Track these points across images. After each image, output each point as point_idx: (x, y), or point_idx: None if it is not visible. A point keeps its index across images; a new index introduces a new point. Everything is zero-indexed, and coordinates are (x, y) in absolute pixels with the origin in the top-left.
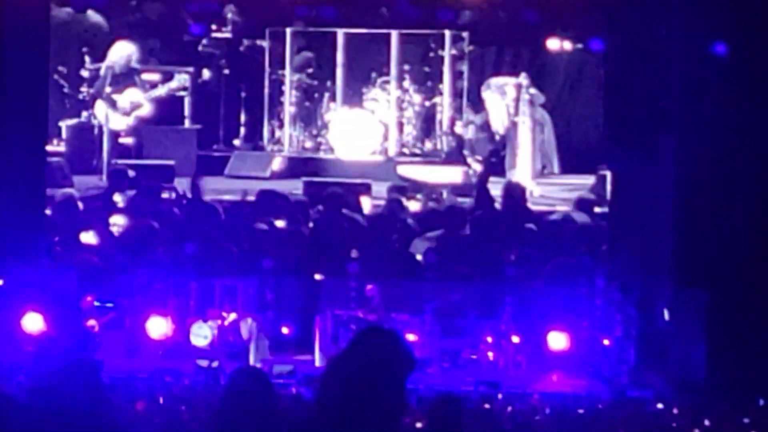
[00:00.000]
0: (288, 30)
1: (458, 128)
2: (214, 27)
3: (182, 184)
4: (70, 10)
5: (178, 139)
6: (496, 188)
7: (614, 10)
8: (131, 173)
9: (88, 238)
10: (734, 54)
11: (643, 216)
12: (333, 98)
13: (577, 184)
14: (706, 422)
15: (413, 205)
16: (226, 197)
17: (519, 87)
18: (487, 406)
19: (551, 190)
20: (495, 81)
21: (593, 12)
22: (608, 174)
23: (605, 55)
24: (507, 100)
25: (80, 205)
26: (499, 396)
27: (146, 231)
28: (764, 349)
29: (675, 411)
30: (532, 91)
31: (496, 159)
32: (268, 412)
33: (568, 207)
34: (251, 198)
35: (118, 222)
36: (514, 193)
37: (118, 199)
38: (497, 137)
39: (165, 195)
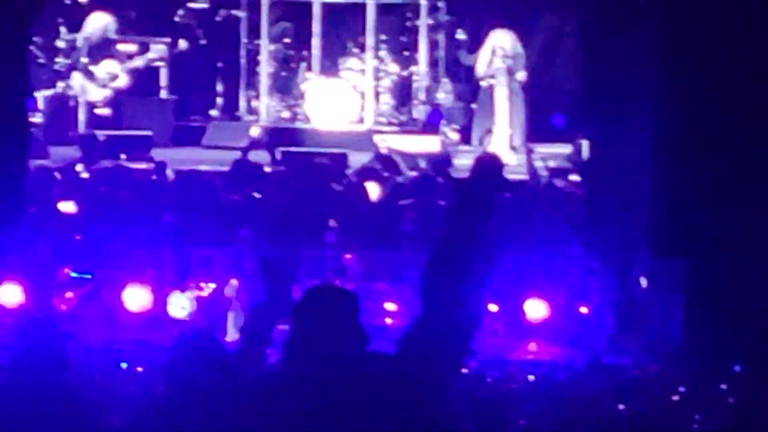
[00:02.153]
0: (264, 0)
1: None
2: None
3: (159, 154)
4: None
5: (155, 109)
6: (471, 157)
7: None
8: (101, 137)
9: (67, 207)
10: (711, 20)
11: (620, 184)
12: (309, 68)
13: (554, 152)
14: (683, 388)
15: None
16: (203, 167)
17: (502, 53)
18: (465, 371)
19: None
20: (495, 35)
21: None
22: (585, 142)
23: (582, 22)
24: (494, 58)
25: (56, 175)
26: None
27: (122, 201)
28: (741, 315)
29: (652, 378)
30: (509, 61)
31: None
32: (217, 371)
33: (545, 175)
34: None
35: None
36: (490, 163)
37: (80, 168)
38: (473, 107)
39: (143, 165)
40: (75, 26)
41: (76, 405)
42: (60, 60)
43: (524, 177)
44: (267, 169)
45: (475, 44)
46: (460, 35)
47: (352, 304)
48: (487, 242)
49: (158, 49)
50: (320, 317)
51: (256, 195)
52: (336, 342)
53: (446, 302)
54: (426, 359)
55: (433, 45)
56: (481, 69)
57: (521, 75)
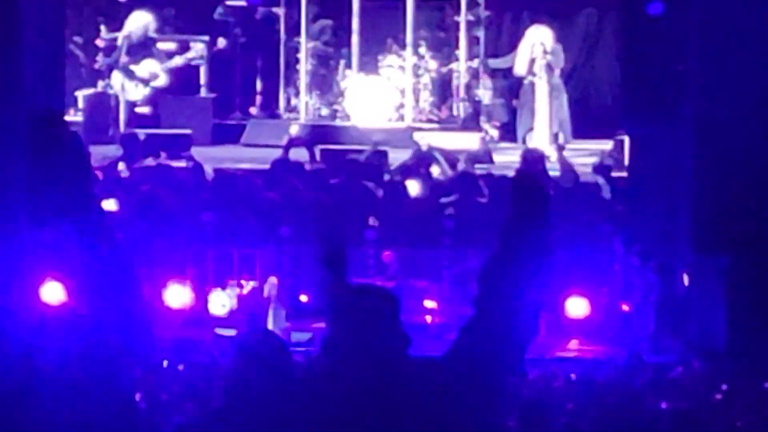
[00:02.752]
0: None
1: (477, 90)
2: None
3: (199, 152)
4: None
5: (194, 107)
6: (511, 154)
7: None
8: (142, 136)
9: (109, 205)
10: (752, 16)
11: (661, 181)
12: (349, 65)
13: (595, 149)
14: (726, 387)
15: (435, 171)
16: (243, 165)
17: (542, 49)
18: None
19: (569, 156)
20: (535, 31)
21: None
22: (626, 139)
23: (623, 18)
24: (535, 54)
25: (99, 174)
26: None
27: (163, 199)
28: None
29: (695, 376)
30: (549, 57)
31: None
32: (283, 376)
33: (587, 172)
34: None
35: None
36: (533, 160)
37: (121, 167)
38: (514, 103)
39: (182, 163)
40: (115, 25)
41: (118, 402)
42: (100, 59)
43: (558, 173)
44: (307, 167)
45: (514, 40)
46: (469, 60)
47: (393, 305)
48: (545, 241)
49: (198, 47)
50: (360, 318)
51: (296, 192)
52: (376, 344)
53: (504, 304)
54: (478, 364)
55: (473, 41)
56: (521, 67)
57: (560, 64)
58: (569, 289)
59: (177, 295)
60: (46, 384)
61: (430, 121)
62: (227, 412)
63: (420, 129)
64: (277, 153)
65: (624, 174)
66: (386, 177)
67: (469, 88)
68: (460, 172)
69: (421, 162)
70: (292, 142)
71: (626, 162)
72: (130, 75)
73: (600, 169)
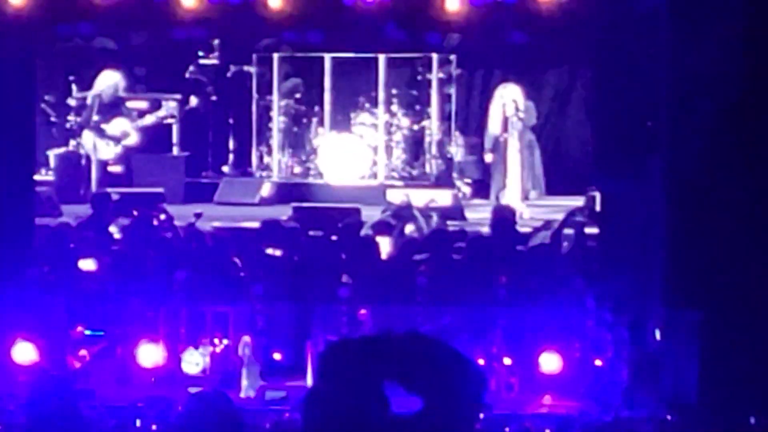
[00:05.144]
0: (275, 55)
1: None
2: (201, 54)
3: (171, 211)
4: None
5: (167, 166)
6: (484, 211)
7: (603, 31)
8: (115, 197)
9: (87, 264)
10: (722, 73)
11: (633, 236)
12: (321, 123)
13: (567, 205)
14: None
15: (408, 228)
16: (216, 224)
17: (513, 107)
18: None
19: (541, 212)
20: (504, 89)
21: (581, 33)
22: (597, 195)
23: (593, 76)
24: (507, 112)
25: (74, 233)
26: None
27: (137, 258)
28: (756, 367)
29: (668, 430)
30: (522, 114)
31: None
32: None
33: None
34: (244, 224)
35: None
36: (504, 216)
37: (113, 229)
38: (486, 159)
39: (154, 222)
40: (86, 84)
41: None
42: (71, 118)
43: (529, 229)
44: (280, 225)
45: (485, 97)
46: None
47: (377, 363)
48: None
49: (169, 106)
50: (342, 376)
51: (270, 251)
52: (356, 403)
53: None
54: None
55: (445, 98)
56: (494, 126)
57: (532, 121)
58: (542, 345)
59: (150, 354)
60: None
61: (402, 178)
62: None
63: (393, 186)
64: (250, 211)
65: (596, 230)
66: (360, 234)
67: (441, 145)
68: (433, 229)
69: (397, 219)
70: (265, 201)
71: (598, 218)
72: (101, 134)
73: (571, 224)
